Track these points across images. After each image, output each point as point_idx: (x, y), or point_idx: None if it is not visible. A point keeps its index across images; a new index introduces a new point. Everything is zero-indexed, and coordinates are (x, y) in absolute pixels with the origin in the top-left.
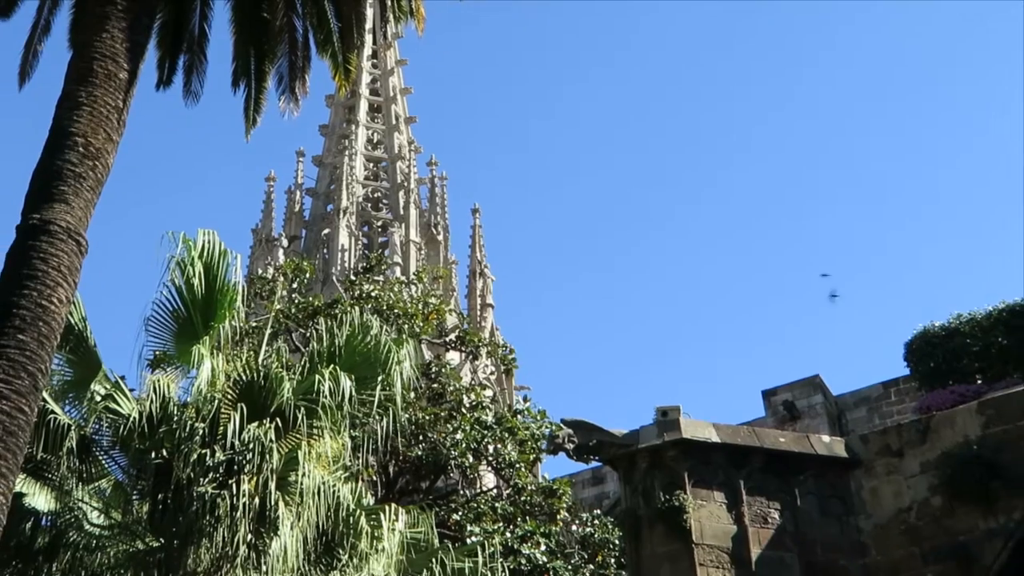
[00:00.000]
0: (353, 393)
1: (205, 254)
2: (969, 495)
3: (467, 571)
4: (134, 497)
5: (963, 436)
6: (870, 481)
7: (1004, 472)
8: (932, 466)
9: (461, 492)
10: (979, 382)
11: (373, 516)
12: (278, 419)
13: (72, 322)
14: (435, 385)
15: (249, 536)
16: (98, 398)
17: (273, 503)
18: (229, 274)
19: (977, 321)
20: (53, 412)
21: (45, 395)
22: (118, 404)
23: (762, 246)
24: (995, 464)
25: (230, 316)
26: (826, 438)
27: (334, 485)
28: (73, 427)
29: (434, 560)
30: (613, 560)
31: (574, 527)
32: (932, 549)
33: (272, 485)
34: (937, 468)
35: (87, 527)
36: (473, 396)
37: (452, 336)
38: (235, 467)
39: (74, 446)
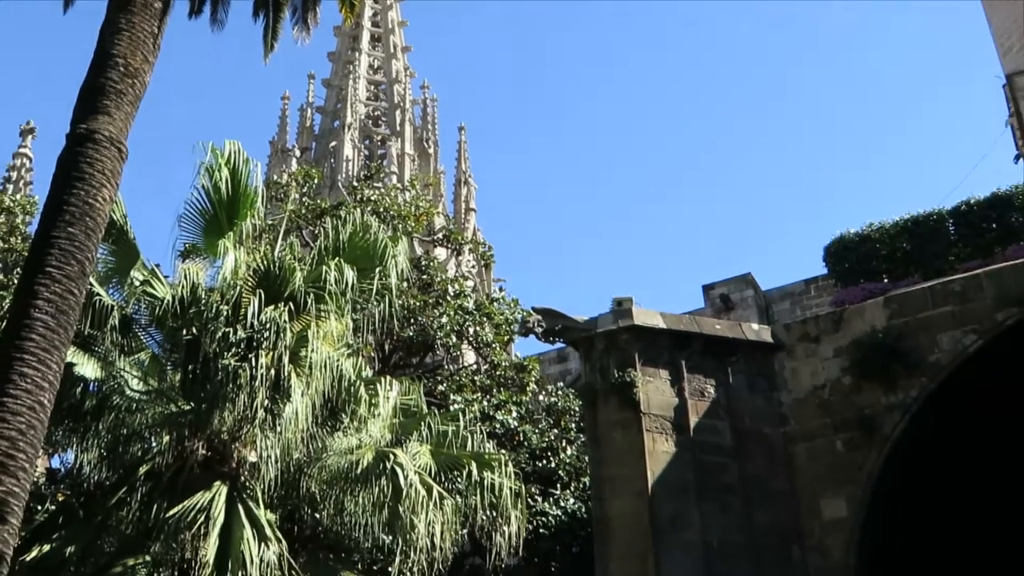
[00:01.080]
0: (355, 282)
1: (230, 161)
2: (874, 375)
3: (450, 433)
4: (168, 368)
5: (870, 326)
6: (791, 363)
7: (904, 357)
8: (844, 351)
9: (446, 367)
10: (885, 281)
11: (371, 386)
12: (291, 303)
13: (114, 218)
14: (424, 276)
15: (266, 402)
16: (137, 283)
17: (286, 374)
18: (250, 179)
19: (886, 229)
20: (99, 295)
21: (92, 280)
22: (154, 288)
23: (711, 160)
24: (896, 350)
25: (251, 215)
26: (755, 326)
27: (338, 360)
28: (115, 307)
29: (422, 423)
30: (573, 425)
31: (541, 397)
32: (842, 420)
33: (285, 359)
34: (848, 353)
35: (128, 392)
36: (457, 286)
37: (439, 235)
38: (254, 343)
39: (116, 324)
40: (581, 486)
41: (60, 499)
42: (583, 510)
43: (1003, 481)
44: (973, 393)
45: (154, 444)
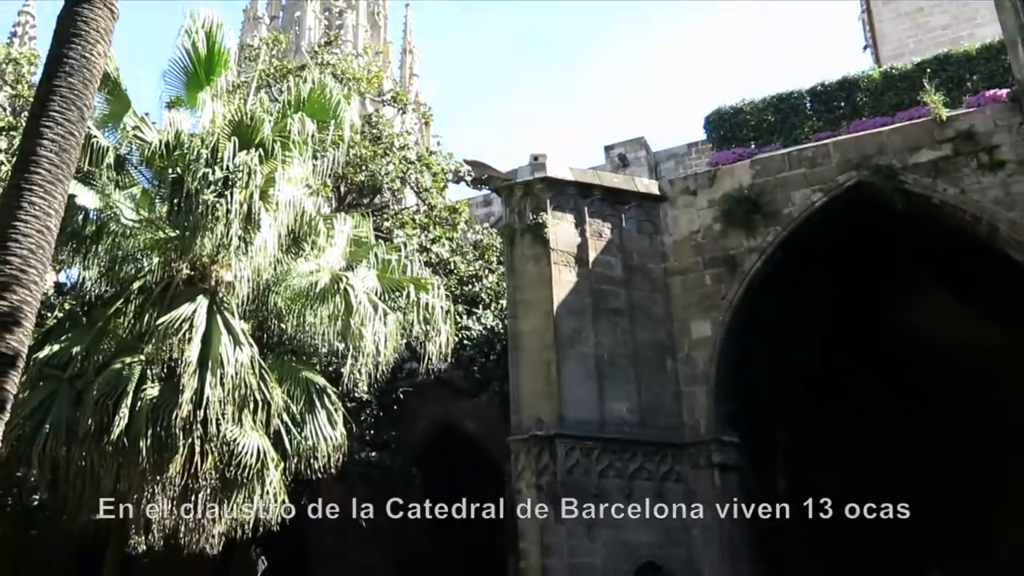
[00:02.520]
0: (315, 133)
1: (206, 25)
2: (738, 223)
3: (393, 261)
4: (156, 201)
5: (738, 183)
6: (673, 211)
7: (763, 209)
8: (716, 203)
9: (391, 207)
10: (753, 146)
11: (328, 221)
12: (260, 149)
13: (108, 72)
14: (374, 131)
15: (240, 231)
16: (129, 128)
17: (257, 209)
18: (224, 41)
19: (755, 104)
20: (96, 137)
21: (90, 124)
22: (144, 133)
23: (622, 40)
24: (758, 203)
25: (224, 72)
26: (646, 181)
27: (301, 198)
28: (111, 148)
29: (371, 253)
30: (494, 258)
31: (469, 234)
32: (711, 259)
33: (256, 196)
34: (719, 204)
35: (123, 220)
36: (401, 140)
37: (387, 96)
38: (229, 182)
39: (112, 162)
40: (499, 307)
41: (66, 308)
42: (500, 326)
43: (833, 306)
44: (816, 240)
45: (145, 264)
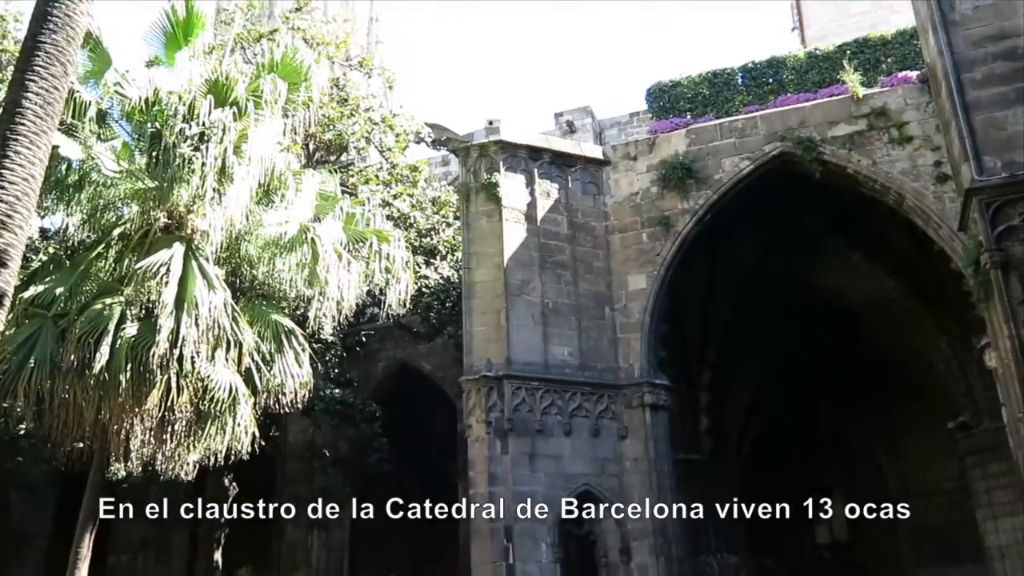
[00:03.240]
0: (286, 93)
1: None
2: (674, 187)
3: (357, 214)
4: (136, 153)
5: (675, 150)
6: (615, 175)
7: (696, 174)
8: (654, 168)
9: (356, 164)
10: (688, 117)
11: (297, 175)
12: (235, 107)
13: (91, 30)
14: (342, 93)
15: (214, 184)
16: (111, 84)
17: (230, 163)
18: (201, 5)
19: (692, 78)
20: (79, 92)
21: (73, 79)
22: (124, 89)
23: (571, 12)
24: (692, 169)
25: (202, 34)
26: (591, 146)
27: (272, 154)
28: (93, 103)
29: (337, 206)
30: (451, 214)
31: (428, 191)
32: (648, 219)
33: (230, 151)
34: (656, 169)
35: (104, 171)
36: (367, 102)
37: (355, 61)
38: (205, 138)
39: (94, 116)
40: (455, 259)
41: (51, 251)
42: (456, 276)
43: (755, 265)
44: (743, 204)
45: (125, 212)
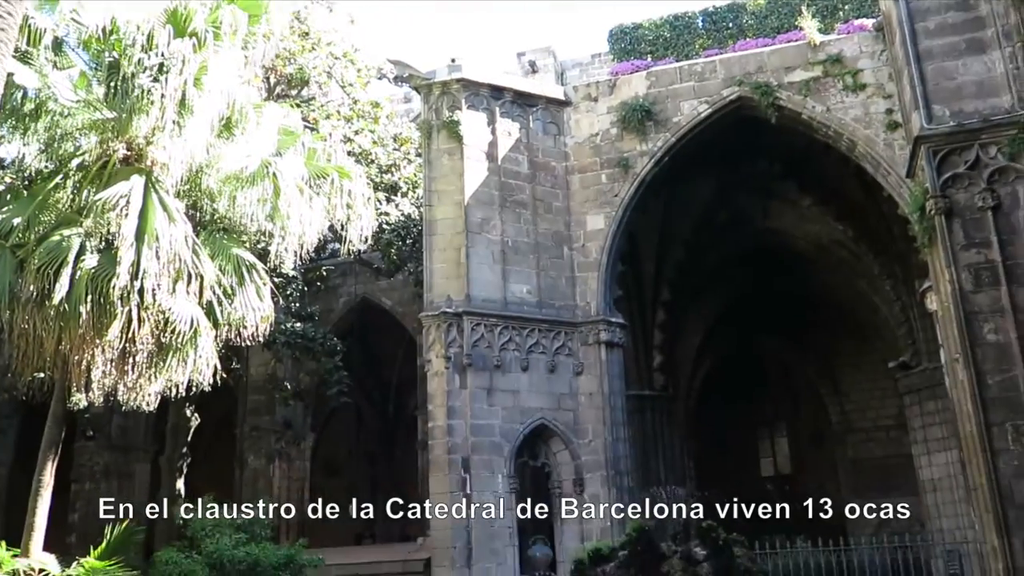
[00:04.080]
0: (246, 25)
1: None
2: (633, 129)
3: (319, 150)
4: (94, 83)
5: (635, 92)
6: (575, 115)
7: (656, 116)
8: (614, 109)
9: (317, 99)
10: (649, 59)
11: (258, 109)
12: (194, 38)
13: None
14: (303, 26)
15: (174, 116)
16: (67, 11)
17: (190, 95)
18: None
19: (654, 21)
20: (33, 18)
21: (28, 5)
22: (80, 17)
23: None
24: (651, 111)
25: None
26: (553, 86)
27: (232, 87)
28: (49, 30)
29: (298, 141)
30: (413, 151)
31: (390, 128)
32: (607, 160)
33: (190, 83)
34: (617, 111)
35: (61, 100)
36: (328, 36)
37: None
38: (164, 68)
39: (49, 43)
40: (416, 196)
41: (7, 181)
42: (417, 213)
43: (710, 206)
44: (700, 147)
45: (83, 143)
